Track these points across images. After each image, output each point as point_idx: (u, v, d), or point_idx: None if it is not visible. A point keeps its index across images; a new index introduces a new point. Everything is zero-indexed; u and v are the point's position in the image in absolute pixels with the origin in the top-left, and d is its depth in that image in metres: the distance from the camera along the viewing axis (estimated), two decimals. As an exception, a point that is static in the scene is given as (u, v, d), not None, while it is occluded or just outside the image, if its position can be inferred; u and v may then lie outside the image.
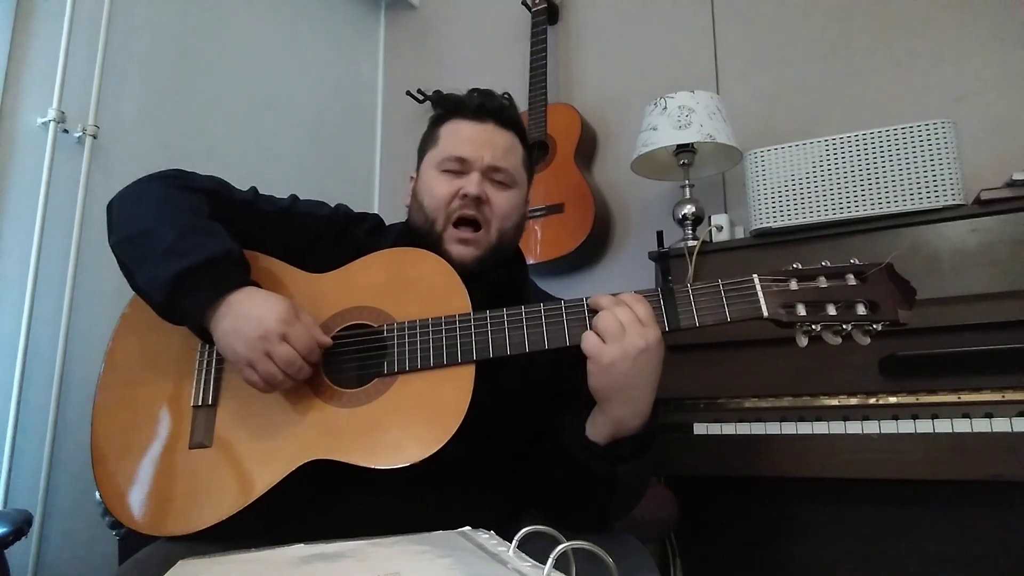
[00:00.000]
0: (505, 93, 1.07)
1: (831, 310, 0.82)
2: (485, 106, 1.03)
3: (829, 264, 0.85)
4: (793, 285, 0.83)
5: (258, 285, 0.90)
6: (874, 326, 0.81)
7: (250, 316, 0.84)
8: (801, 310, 0.82)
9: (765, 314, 0.82)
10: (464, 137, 1.01)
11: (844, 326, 0.81)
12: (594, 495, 0.89)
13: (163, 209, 0.93)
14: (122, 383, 0.98)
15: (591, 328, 0.83)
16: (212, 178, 1.04)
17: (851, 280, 0.83)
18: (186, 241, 0.88)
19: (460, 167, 1.00)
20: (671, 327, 0.83)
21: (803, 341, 0.83)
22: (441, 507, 0.91)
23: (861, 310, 0.81)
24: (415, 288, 0.93)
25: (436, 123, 1.07)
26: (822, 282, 0.83)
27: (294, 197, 1.08)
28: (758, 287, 0.83)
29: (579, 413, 0.88)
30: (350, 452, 0.85)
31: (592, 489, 0.88)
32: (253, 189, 1.07)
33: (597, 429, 0.86)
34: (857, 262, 0.84)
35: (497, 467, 0.98)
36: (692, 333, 1.49)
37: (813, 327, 0.82)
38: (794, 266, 0.85)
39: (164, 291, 0.86)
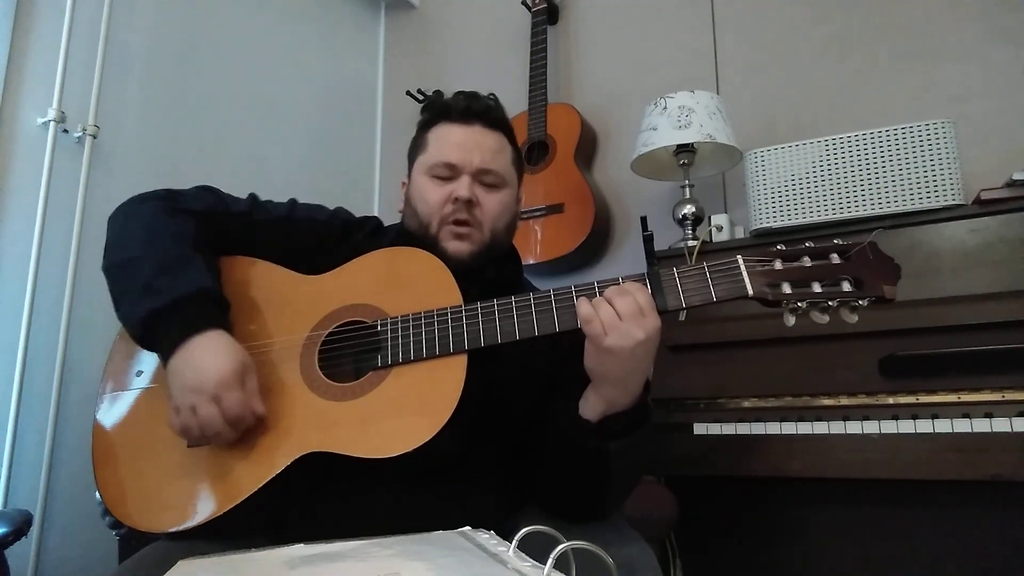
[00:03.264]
0: (491, 94, 1.08)
1: (816, 287, 0.83)
2: (471, 108, 1.04)
3: (813, 244, 0.86)
4: (778, 265, 0.85)
5: (227, 328, 0.91)
6: (860, 302, 0.82)
7: (195, 366, 0.86)
8: (786, 288, 0.83)
9: (750, 292, 0.84)
10: (452, 142, 1.02)
11: (830, 303, 0.83)
12: (588, 475, 0.89)
13: (148, 237, 0.94)
14: (123, 386, 0.99)
15: (591, 310, 0.83)
16: (206, 193, 1.04)
17: (835, 259, 0.84)
18: (160, 279, 0.89)
19: (450, 172, 1.01)
20: (659, 309, 0.84)
21: (790, 320, 0.85)
22: (440, 499, 0.92)
23: (846, 287, 0.83)
24: (408, 284, 0.95)
25: (424, 128, 1.08)
26: (806, 261, 0.85)
27: (293, 202, 1.08)
28: (742, 267, 0.85)
29: (573, 397, 0.89)
30: (345, 444, 0.86)
31: (585, 468, 0.89)
32: (251, 196, 1.07)
33: (589, 407, 0.87)
34: (840, 242, 0.86)
35: (495, 459, 0.99)
36: (692, 333, 1.50)
37: (799, 304, 0.83)
38: (778, 247, 0.86)
39: (138, 330, 0.90)
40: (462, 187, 0.99)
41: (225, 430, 0.86)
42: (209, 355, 0.86)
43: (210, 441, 0.87)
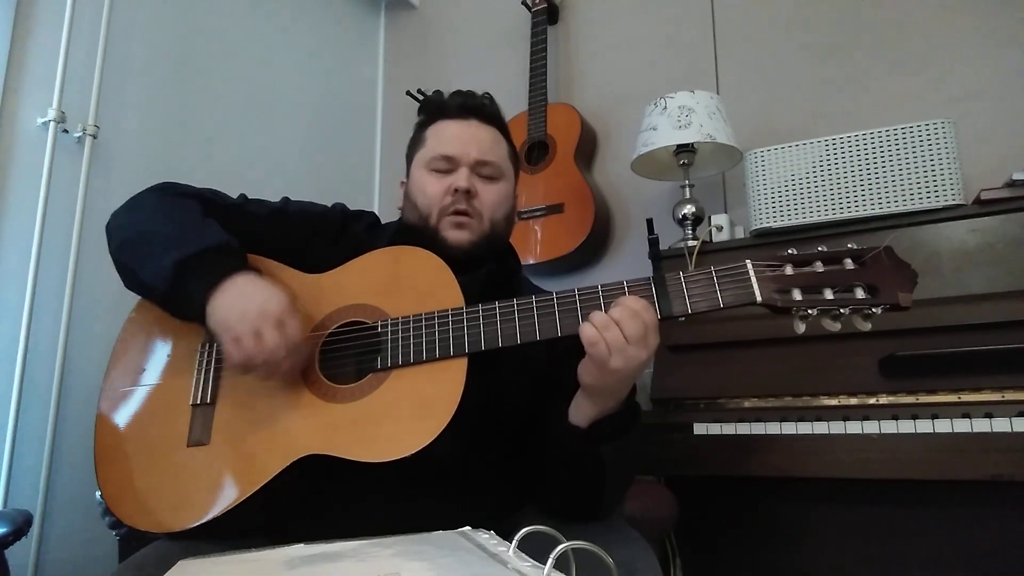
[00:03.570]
0: (485, 93, 1.10)
1: (828, 294, 0.81)
2: (467, 105, 1.07)
3: (825, 249, 0.84)
4: (788, 270, 0.83)
5: (259, 272, 0.92)
6: (874, 310, 0.80)
7: (255, 294, 0.86)
8: (797, 295, 0.81)
9: (759, 299, 0.81)
10: (449, 136, 1.05)
11: (842, 310, 0.80)
12: (584, 478, 0.90)
13: (159, 212, 0.96)
14: (125, 385, 0.99)
15: (597, 332, 0.81)
16: (201, 188, 1.06)
17: (849, 264, 0.82)
18: (185, 233, 0.91)
19: (448, 165, 1.03)
20: (663, 314, 0.84)
21: (800, 327, 0.82)
22: (439, 502, 0.92)
23: (860, 294, 0.80)
24: (409, 285, 0.94)
25: (422, 127, 1.10)
26: (818, 267, 0.83)
27: (286, 199, 1.10)
28: (751, 272, 0.83)
29: (566, 400, 0.90)
30: (344, 447, 0.86)
31: (581, 471, 0.89)
32: (242, 196, 1.09)
33: (580, 414, 0.88)
34: (854, 246, 0.84)
35: (495, 461, 0.99)
36: (692, 333, 1.50)
37: (809, 312, 0.81)
38: (789, 251, 0.84)
39: (168, 281, 0.88)
40: (461, 178, 1.01)
41: (287, 358, 0.86)
42: (261, 286, 0.87)
43: (267, 371, 0.87)
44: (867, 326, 0.81)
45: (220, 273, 0.88)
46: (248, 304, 0.85)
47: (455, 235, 1.01)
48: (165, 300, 0.92)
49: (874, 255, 0.82)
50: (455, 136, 1.04)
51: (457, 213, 1.01)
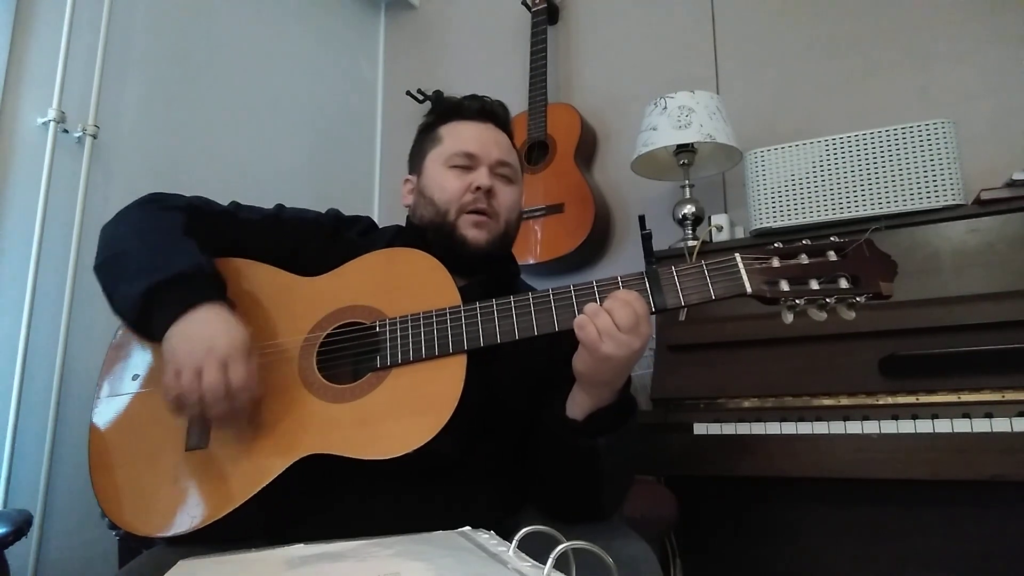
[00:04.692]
0: (497, 100, 1.12)
1: (814, 284, 0.84)
2: (485, 109, 1.09)
3: (809, 242, 0.87)
4: (775, 263, 0.86)
5: (231, 303, 0.90)
6: (857, 299, 0.83)
7: (211, 329, 0.84)
8: (784, 286, 0.84)
9: (748, 290, 0.84)
10: (470, 136, 1.06)
11: (827, 300, 0.83)
12: (580, 474, 0.90)
13: (138, 231, 0.95)
14: (119, 391, 0.98)
15: (586, 316, 0.83)
16: (192, 196, 1.05)
17: (832, 256, 0.85)
18: (156, 258, 0.89)
19: (469, 162, 1.04)
20: (657, 308, 0.85)
21: (788, 317, 0.85)
22: (440, 500, 0.92)
23: (843, 284, 0.83)
24: (406, 285, 0.95)
25: (434, 125, 1.10)
26: (803, 259, 0.86)
27: (280, 206, 1.09)
28: (740, 265, 0.85)
29: (563, 397, 0.91)
30: (345, 445, 0.85)
31: (577, 466, 0.89)
32: (234, 203, 1.08)
33: (576, 406, 0.89)
34: (837, 239, 0.86)
35: (495, 459, 0.99)
36: (692, 333, 1.50)
37: (797, 302, 0.84)
38: (775, 245, 0.87)
39: (136, 309, 0.88)
40: (482, 176, 1.02)
41: (224, 403, 0.83)
42: (219, 323, 0.85)
43: (203, 413, 0.83)
44: (851, 315, 0.84)
45: (187, 302, 0.86)
46: (201, 338, 0.83)
47: (474, 234, 1.01)
48: (135, 328, 0.92)
49: (855, 247, 0.85)
50: (475, 136, 1.06)
51: (477, 212, 1.02)
